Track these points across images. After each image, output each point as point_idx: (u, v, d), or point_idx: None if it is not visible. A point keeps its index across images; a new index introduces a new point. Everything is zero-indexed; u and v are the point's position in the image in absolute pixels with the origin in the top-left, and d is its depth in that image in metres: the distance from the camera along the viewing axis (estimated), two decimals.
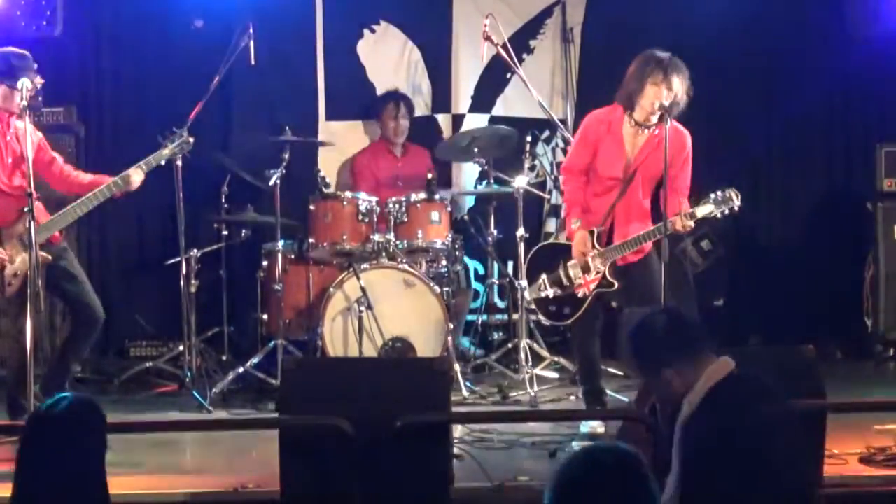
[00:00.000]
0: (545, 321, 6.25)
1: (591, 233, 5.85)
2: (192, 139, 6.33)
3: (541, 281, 6.05)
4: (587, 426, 5.82)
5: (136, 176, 6.08)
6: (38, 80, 5.82)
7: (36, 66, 5.86)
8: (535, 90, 7.02)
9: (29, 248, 5.40)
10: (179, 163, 6.40)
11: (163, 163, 6.27)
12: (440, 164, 7.80)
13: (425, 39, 8.05)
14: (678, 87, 5.68)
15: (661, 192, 5.77)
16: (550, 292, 6.02)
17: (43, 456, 2.86)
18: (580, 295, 5.90)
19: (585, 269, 5.87)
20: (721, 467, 3.19)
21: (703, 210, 5.57)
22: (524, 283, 7.09)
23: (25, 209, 5.47)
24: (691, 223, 5.64)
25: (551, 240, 6.31)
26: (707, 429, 3.26)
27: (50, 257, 5.80)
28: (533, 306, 6.21)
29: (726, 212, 5.59)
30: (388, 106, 7.68)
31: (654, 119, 5.75)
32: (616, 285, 5.82)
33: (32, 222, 5.40)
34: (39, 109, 6.79)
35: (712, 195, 5.60)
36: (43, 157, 6.01)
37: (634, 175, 5.79)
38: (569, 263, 5.94)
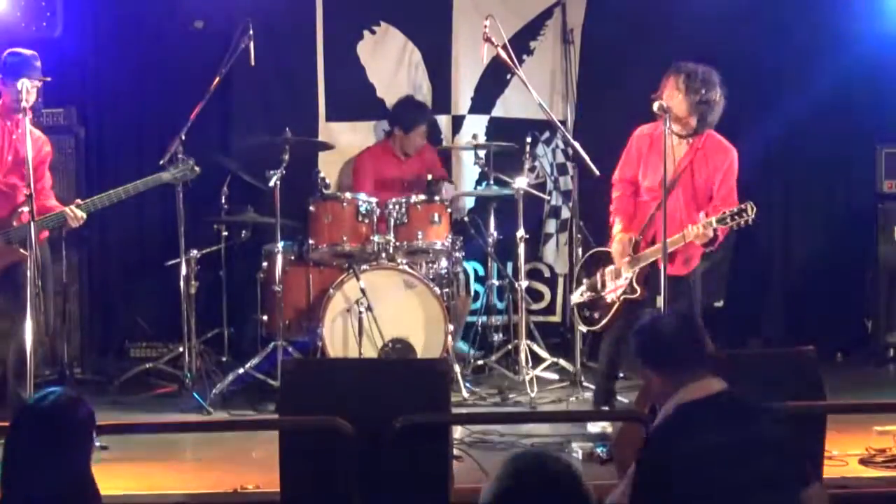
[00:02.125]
0: (582, 327, 6.33)
1: (630, 239, 5.88)
2: (198, 168, 6.37)
3: (583, 286, 6.16)
4: (597, 426, 5.83)
5: (77, 212, 5.98)
6: (39, 81, 5.81)
7: (39, 63, 5.86)
8: (535, 91, 7.01)
9: (29, 248, 5.39)
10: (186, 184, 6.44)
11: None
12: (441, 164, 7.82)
13: (425, 41, 8.04)
14: (679, 88, 5.70)
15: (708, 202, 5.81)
16: (585, 297, 6.12)
17: (29, 449, 2.86)
18: (609, 300, 5.96)
19: (617, 275, 5.91)
20: (663, 487, 3.18)
21: (718, 221, 5.57)
22: (525, 284, 7.13)
23: (25, 209, 5.50)
24: (710, 233, 5.62)
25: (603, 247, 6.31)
26: (660, 445, 3.28)
27: (26, 254, 5.71)
28: (576, 312, 6.28)
29: (741, 224, 5.56)
30: (420, 127, 7.58)
31: (688, 129, 5.78)
32: (639, 293, 5.82)
33: (33, 223, 5.40)
34: (39, 110, 6.79)
35: (728, 209, 5.60)
36: (40, 168, 5.97)
37: (675, 185, 5.79)
38: (606, 269, 6.01)
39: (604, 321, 6.00)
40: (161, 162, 6.50)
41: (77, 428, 2.91)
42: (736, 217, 5.54)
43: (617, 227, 5.95)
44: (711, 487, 3.15)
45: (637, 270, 5.83)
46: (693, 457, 3.18)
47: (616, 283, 5.94)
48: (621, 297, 5.91)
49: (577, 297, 6.21)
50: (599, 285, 6.05)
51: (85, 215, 6.01)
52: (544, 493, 2.37)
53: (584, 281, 6.16)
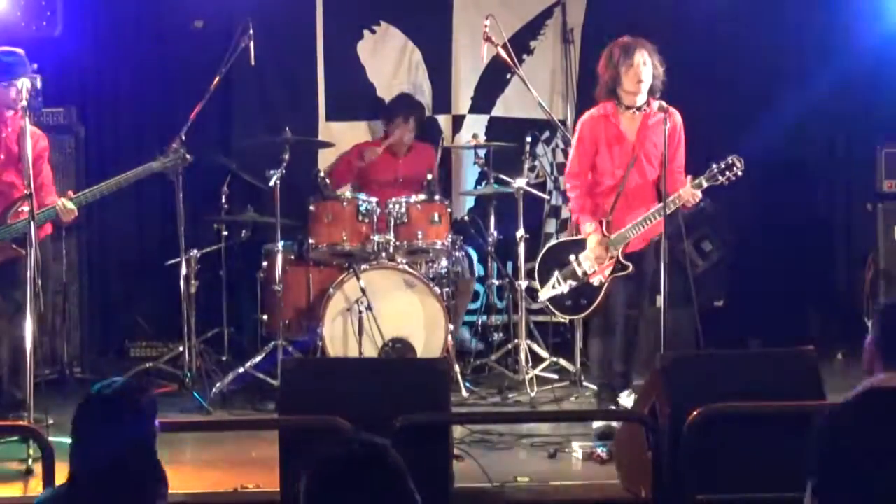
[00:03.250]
0: (562, 317, 6.33)
1: (601, 223, 5.94)
2: (189, 156, 6.36)
3: (553, 279, 6.14)
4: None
5: (68, 205, 6.00)
6: (35, 78, 5.83)
7: (35, 65, 5.87)
8: (536, 91, 7.02)
9: (28, 247, 5.40)
10: (178, 173, 6.42)
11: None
12: (441, 166, 7.81)
13: (426, 40, 8.04)
14: (647, 59, 5.86)
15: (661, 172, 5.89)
16: (565, 287, 6.12)
17: (95, 435, 2.94)
18: (596, 283, 6.00)
19: (599, 259, 5.96)
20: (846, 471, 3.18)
21: (708, 178, 5.67)
22: (525, 284, 7.12)
23: (25, 208, 5.51)
24: (699, 193, 5.75)
25: (559, 239, 6.38)
26: (842, 428, 3.25)
27: (23, 252, 5.69)
28: (549, 306, 6.28)
29: (732, 178, 5.73)
30: (398, 118, 7.55)
31: (642, 99, 5.91)
32: (631, 268, 5.91)
33: (32, 223, 5.40)
34: (39, 110, 6.80)
35: (715, 165, 5.74)
36: (37, 163, 5.98)
37: (636, 159, 5.90)
38: (580, 256, 6.05)
39: (595, 304, 6.05)
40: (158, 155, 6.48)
41: (140, 413, 2.99)
42: (725, 171, 5.66)
43: (589, 227, 5.99)
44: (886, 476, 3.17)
45: (622, 248, 5.93)
46: (875, 444, 3.19)
47: (601, 266, 6.00)
48: (610, 277, 5.98)
49: (549, 291, 6.19)
50: (580, 272, 6.07)
51: (75, 208, 6.02)
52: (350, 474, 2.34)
53: (556, 273, 6.15)
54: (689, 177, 5.81)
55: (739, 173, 5.72)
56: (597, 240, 5.95)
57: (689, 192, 5.75)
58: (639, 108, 5.94)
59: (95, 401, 2.99)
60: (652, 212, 5.84)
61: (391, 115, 7.62)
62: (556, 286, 6.14)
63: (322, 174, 7.04)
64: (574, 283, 6.10)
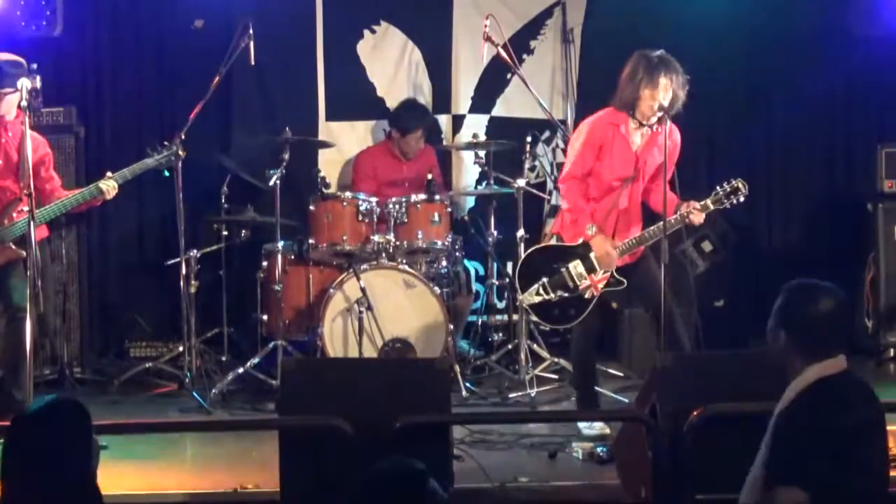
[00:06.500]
0: (546, 326, 6.23)
1: (610, 237, 5.87)
2: (182, 152, 6.35)
3: (539, 286, 5.95)
4: (594, 428, 5.80)
5: (105, 185, 6.10)
6: (36, 83, 5.83)
7: (35, 65, 5.87)
8: (536, 91, 7.02)
9: (28, 248, 5.40)
10: (179, 164, 6.42)
11: (166, 172, 6.36)
12: (440, 165, 7.80)
13: (426, 40, 8.03)
14: (672, 85, 5.71)
15: (652, 190, 5.88)
16: (554, 296, 5.94)
17: (28, 458, 2.85)
18: (587, 296, 5.89)
19: (590, 270, 5.86)
20: (808, 463, 3.25)
21: (714, 202, 5.62)
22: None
23: (24, 208, 5.51)
24: (703, 215, 5.69)
25: (545, 243, 6.22)
26: (802, 422, 3.32)
27: (24, 253, 5.68)
28: (531, 312, 6.10)
29: (735, 202, 5.68)
30: (417, 131, 7.52)
31: (655, 118, 5.78)
32: (625, 283, 5.85)
33: (32, 223, 5.40)
34: (39, 110, 6.79)
35: (719, 187, 5.67)
36: (40, 170, 6.00)
37: (638, 174, 5.82)
38: (570, 265, 5.91)
39: (583, 316, 5.92)
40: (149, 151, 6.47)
41: (74, 432, 2.90)
42: (731, 196, 5.61)
43: (591, 229, 5.84)
44: (853, 460, 3.28)
45: (617, 262, 5.86)
46: (839, 430, 3.28)
47: (594, 278, 5.87)
48: (603, 290, 5.89)
49: (533, 297, 5.97)
50: (570, 282, 5.92)
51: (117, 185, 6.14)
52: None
53: (544, 280, 5.94)
54: (692, 201, 5.71)
55: (742, 199, 5.66)
56: (601, 239, 5.82)
57: (696, 216, 5.67)
58: (648, 126, 5.81)
59: (25, 423, 2.87)
60: (653, 228, 5.76)
61: (408, 127, 7.52)
62: (543, 293, 5.95)
63: (324, 176, 7.03)
64: (564, 294, 5.93)
